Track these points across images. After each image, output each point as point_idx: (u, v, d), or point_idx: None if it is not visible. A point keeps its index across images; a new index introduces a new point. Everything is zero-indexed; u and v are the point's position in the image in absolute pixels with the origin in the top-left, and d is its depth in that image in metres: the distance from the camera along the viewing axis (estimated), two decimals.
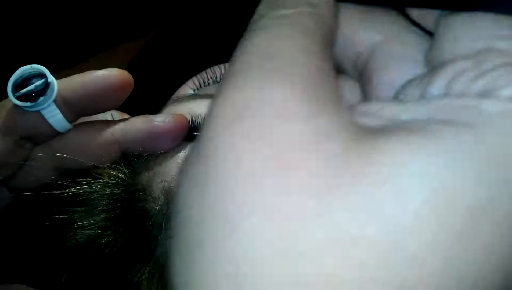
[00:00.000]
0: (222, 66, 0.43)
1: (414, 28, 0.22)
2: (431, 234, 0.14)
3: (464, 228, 0.14)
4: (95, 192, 0.32)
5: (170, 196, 0.31)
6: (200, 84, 0.43)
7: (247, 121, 0.16)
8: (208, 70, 0.43)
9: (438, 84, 0.17)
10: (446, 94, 0.17)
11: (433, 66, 0.19)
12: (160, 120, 0.34)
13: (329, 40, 0.20)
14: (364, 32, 0.22)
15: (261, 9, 0.20)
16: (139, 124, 0.34)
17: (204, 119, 0.20)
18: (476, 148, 0.15)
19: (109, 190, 0.32)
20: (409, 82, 0.19)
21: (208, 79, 0.43)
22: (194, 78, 0.44)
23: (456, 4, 0.18)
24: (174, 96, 0.43)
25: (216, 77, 0.43)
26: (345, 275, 0.13)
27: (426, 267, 0.13)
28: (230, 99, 0.17)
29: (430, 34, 0.21)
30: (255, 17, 0.20)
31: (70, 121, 0.34)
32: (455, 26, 0.18)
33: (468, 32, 0.18)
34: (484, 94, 0.16)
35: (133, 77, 0.34)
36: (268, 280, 0.13)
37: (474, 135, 0.15)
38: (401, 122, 0.17)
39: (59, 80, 0.33)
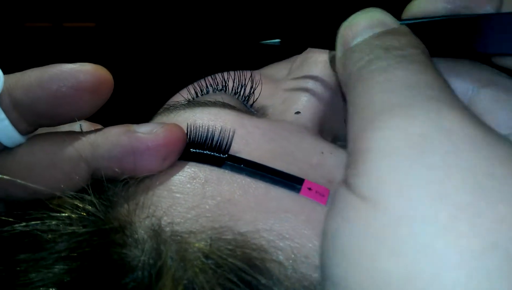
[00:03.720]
0: (225, 73, 0.35)
1: (499, 72, 0.24)
2: None
3: None
4: (51, 231, 0.22)
5: (160, 239, 0.22)
6: (197, 93, 0.34)
7: (439, 151, 0.17)
8: (208, 78, 0.35)
9: None
10: None
11: None
12: (146, 131, 0.25)
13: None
14: (457, 81, 0.24)
15: (362, 56, 0.22)
16: (115, 136, 0.24)
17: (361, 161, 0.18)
18: None
19: (71, 228, 0.22)
20: None
21: (207, 87, 0.34)
22: (190, 87, 0.35)
23: None
24: (166, 105, 0.34)
25: (217, 85, 0.34)
26: None
27: None
28: (403, 134, 0.17)
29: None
30: (361, 63, 0.22)
31: (22, 133, 0.25)
32: None
33: None
34: None
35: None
36: None
37: None
38: None
39: (8, 75, 0.24)
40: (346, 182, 0.19)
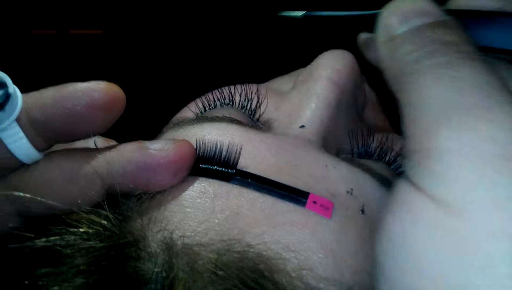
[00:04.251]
0: (232, 87, 0.36)
1: None
2: None
3: None
4: (69, 245, 0.23)
5: (172, 253, 0.23)
6: (204, 107, 0.35)
7: None
8: (215, 92, 0.36)
9: None
10: None
11: None
12: (158, 147, 0.26)
13: None
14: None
15: (415, 48, 0.21)
16: (129, 152, 0.26)
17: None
18: None
19: (89, 243, 0.23)
20: None
21: (215, 101, 0.35)
22: (198, 100, 0.36)
23: None
24: (174, 119, 0.35)
25: (224, 99, 0.35)
26: None
27: None
28: (485, 137, 0.16)
29: None
30: (414, 56, 0.20)
31: (39, 149, 0.26)
32: None
33: None
34: None
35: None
36: None
37: None
38: None
39: (25, 94, 0.25)
40: (410, 180, 0.18)
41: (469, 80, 0.18)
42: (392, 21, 0.23)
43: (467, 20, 0.23)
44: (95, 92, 0.25)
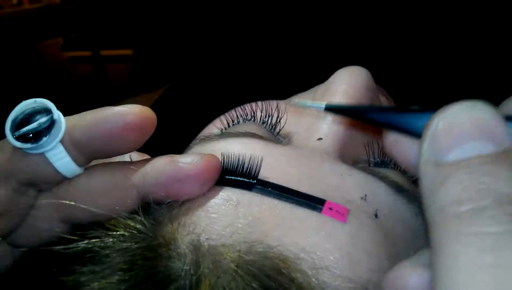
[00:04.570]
0: (253, 104, 0.38)
1: None
2: None
3: None
4: (108, 247, 0.26)
5: (199, 253, 0.25)
6: (228, 123, 0.38)
7: None
8: (238, 109, 0.39)
9: None
10: None
11: None
12: (187, 161, 0.28)
13: None
14: None
15: (460, 197, 0.16)
16: (161, 166, 0.28)
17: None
18: None
19: (125, 245, 0.26)
20: None
21: (238, 118, 0.38)
22: (222, 117, 0.39)
23: None
24: (201, 135, 0.38)
25: (246, 115, 0.38)
26: None
27: None
28: None
29: None
30: (456, 209, 0.15)
31: (79, 165, 0.29)
32: None
33: None
34: None
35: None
36: None
37: None
38: None
39: (67, 117, 0.28)
40: None
41: None
42: (440, 139, 0.17)
43: None
44: (129, 115, 0.27)
